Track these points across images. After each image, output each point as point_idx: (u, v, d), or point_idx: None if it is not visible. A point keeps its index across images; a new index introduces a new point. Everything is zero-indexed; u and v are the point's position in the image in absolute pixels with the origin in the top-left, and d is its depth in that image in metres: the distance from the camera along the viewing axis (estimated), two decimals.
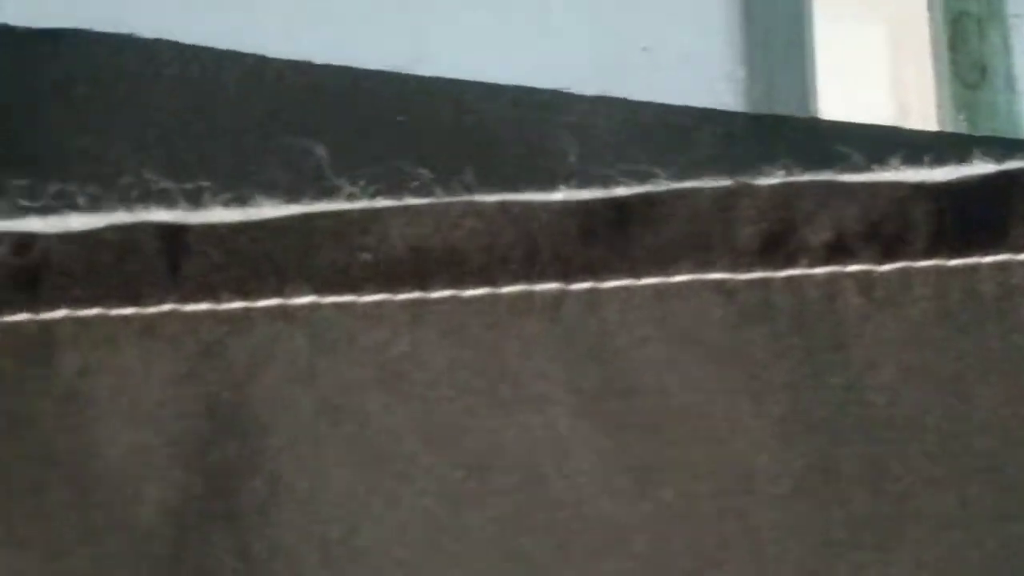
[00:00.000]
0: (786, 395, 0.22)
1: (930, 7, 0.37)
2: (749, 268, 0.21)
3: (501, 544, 0.21)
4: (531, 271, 0.21)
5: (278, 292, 0.21)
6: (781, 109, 0.39)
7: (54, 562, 0.21)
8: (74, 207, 0.21)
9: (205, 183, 0.21)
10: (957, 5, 0.38)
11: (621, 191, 0.22)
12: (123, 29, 0.28)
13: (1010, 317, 0.21)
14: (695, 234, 0.21)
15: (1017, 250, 0.22)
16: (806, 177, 0.22)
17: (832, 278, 0.21)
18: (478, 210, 0.21)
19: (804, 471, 0.22)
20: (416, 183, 0.22)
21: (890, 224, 0.22)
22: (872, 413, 0.22)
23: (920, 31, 0.37)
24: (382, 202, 0.21)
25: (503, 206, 0.21)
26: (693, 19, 0.38)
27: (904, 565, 0.21)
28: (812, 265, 0.21)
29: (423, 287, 0.21)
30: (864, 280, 0.21)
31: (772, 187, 0.22)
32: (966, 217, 0.22)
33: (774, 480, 0.21)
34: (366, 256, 0.21)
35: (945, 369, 0.22)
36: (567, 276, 0.21)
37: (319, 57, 0.33)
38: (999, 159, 0.22)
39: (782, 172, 0.22)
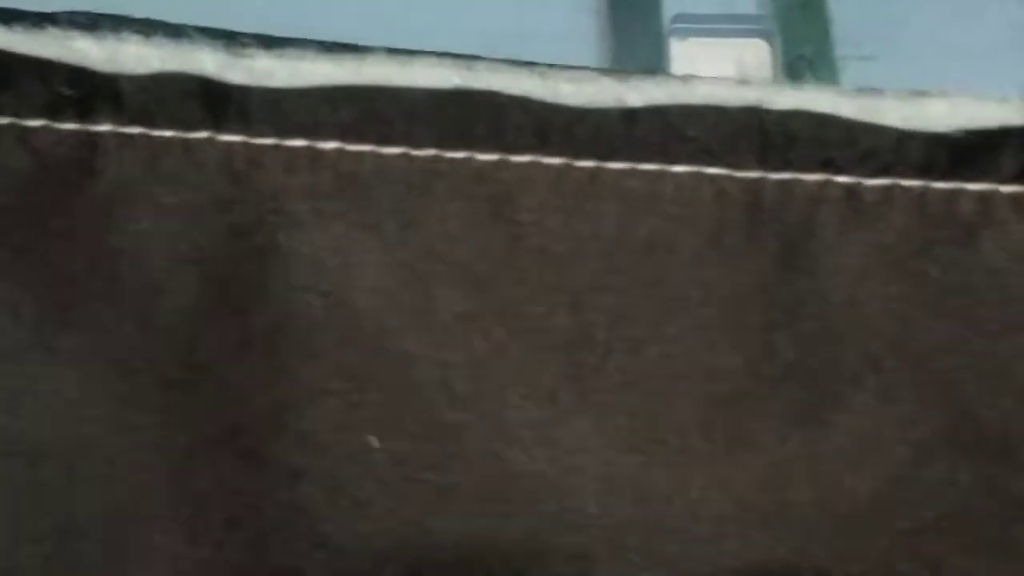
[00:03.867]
0: (757, 291, 0.24)
1: (772, 54, 0.40)
2: (746, 169, 0.24)
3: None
4: (541, 147, 0.24)
5: (309, 136, 0.24)
6: None
7: (95, 340, 0.25)
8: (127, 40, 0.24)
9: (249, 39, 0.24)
10: (793, 50, 0.42)
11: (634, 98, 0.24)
12: None
13: (982, 246, 0.23)
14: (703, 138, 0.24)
15: (1003, 181, 0.23)
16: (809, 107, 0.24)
17: (821, 185, 0.24)
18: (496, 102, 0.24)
19: (753, 358, 0.24)
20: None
21: (884, 152, 0.23)
22: (831, 313, 0.24)
23: (765, 74, 0.40)
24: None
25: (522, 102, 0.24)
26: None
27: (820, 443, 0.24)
28: (804, 172, 0.24)
29: (440, 148, 0.24)
30: (850, 191, 0.23)
31: (782, 111, 0.24)
32: (957, 151, 0.23)
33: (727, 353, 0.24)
34: (389, 115, 0.24)
35: (910, 285, 0.24)
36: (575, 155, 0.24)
37: None
38: None
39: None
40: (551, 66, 0.24)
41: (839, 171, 0.23)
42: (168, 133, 0.24)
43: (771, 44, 0.39)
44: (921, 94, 0.24)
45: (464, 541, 0.25)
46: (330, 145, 0.24)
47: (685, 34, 0.38)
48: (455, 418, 0.24)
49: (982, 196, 0.23)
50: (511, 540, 0.25)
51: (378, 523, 0.25)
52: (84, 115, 0.24)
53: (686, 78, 0.24)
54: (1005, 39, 0.39)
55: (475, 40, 0.26)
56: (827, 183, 0.23)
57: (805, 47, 0.42)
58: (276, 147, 0.24)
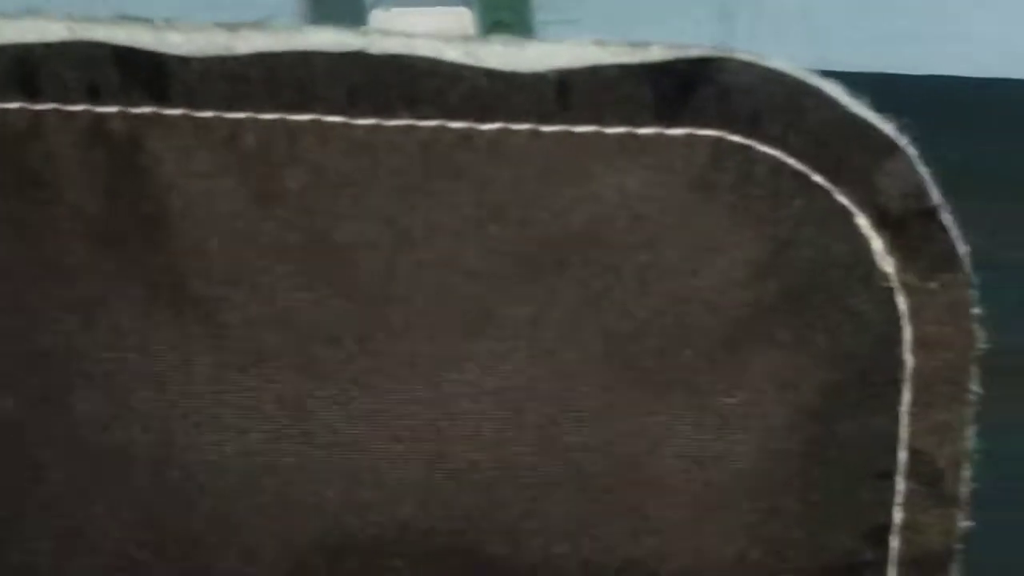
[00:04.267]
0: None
1: (474, 20, 0.35)
2: (362, 116, 0.25)
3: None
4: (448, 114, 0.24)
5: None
6: None
7: None
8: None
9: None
10: (492, 15, 0.40)
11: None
12: None
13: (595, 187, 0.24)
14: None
15: (608, 124, 0.23)
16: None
17: (435, 130, 0.25)
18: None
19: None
20: None
21: (486, 95, 0.24)
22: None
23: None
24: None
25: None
26: None
27: None
28: (416, 118, 0.25)
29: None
30: (464, 135, 0.25)
31: (380, 55, 0.25)
32: (563, 94, 0.24)
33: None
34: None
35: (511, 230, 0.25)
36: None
37: None
38: None
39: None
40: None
41: (452, 115, 0.24)
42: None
43: (473, 11, 0.35)
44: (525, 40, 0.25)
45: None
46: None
47: (387, 4, 0.37)
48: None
49: (590, 138, 0.23)
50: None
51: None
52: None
53: (296, 28, 0.26)
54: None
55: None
56: (441, 128, 0.24)
57: (504, 13, 0.41)
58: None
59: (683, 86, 0.22)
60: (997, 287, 0.29)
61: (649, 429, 0.22)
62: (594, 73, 0.23)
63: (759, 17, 0.37)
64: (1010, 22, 0.34)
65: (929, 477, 0.22)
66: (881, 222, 0.22)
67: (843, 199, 0.22)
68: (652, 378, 0.22)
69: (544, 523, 0.23)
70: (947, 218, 0.22)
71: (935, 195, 0.22)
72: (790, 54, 0.37)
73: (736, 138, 0.22)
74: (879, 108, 0.34)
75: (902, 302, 0.22)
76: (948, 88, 0.32)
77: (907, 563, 0.23)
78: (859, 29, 0.35)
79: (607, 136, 0.23)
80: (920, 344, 0.22)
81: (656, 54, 0.23)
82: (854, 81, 0.34)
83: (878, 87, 0.34)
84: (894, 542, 0.22)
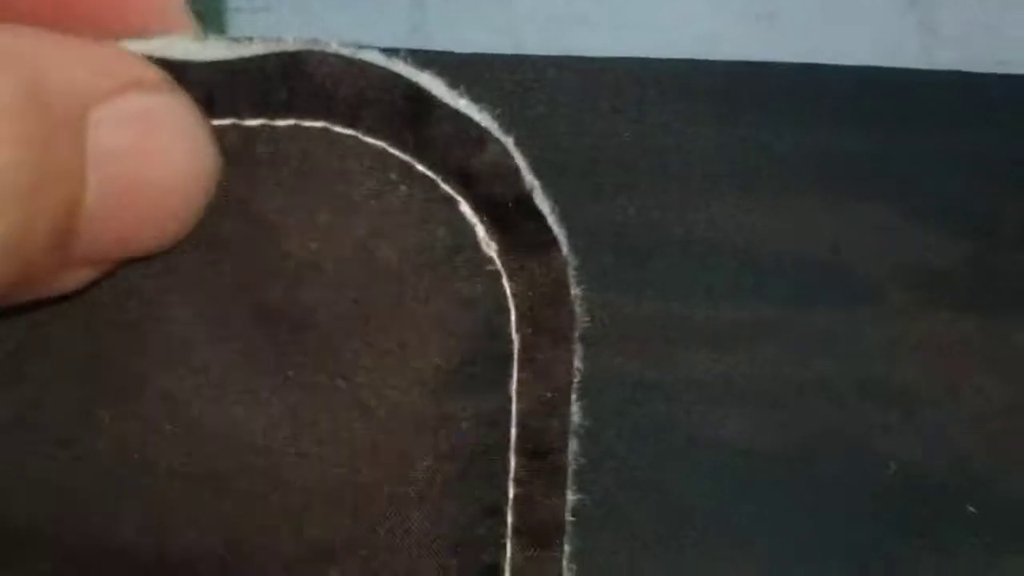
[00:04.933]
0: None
1: None
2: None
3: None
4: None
5: None
6: None
7: None
8: None
9: None
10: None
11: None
12: None
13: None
14: None
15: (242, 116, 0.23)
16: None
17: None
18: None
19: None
20: None
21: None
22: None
23: None
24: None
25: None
26: None
27: None
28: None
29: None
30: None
31: None
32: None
33: None
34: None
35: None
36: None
37: None
38: None
39: None
40: None
41: None
42: None
43: None
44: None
45: None
46: None
47: None
48: None
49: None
50: None
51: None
52: None
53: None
54: None
55: None
56: None
57: (195, 1, 0.36)
58: None
59: (283, 78, 0.23)
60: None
61: (270, 413, 0.23)
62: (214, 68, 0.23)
63: (452, 1, 0.38)
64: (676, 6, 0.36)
65: (539, 452, 0.24)
66: (482, 208, 0.23)
67: (447, 187, 0.23)
68: (270, 359, 0.23)
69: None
70: (543, 203, 0.23)
71: (528, 181, 0.23)
72: (484, 39, 0.38)
73: (340, 129, 0.23)
74: (572, 90, 0.36)
75: (506, 284, 0.23)
76: (638, 69, 0.34)
77: (522, 535, 0.24)
78: (555, 11, 0.37)
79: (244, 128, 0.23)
80: (525, 324, 0.23)
81: (256, 48, 0.23)
82: (556, 64, 0.35)
83: (572, 69, 0.35)
84: (509, 516, 0.23)
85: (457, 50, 0.34)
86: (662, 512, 0.31)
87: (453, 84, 0.33)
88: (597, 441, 0.31)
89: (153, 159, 0.20)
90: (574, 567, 0.24)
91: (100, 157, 0.19)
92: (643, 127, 0.34)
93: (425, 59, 0.34)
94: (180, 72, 0.22)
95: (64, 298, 0.22)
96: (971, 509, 0.31)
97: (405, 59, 0.24)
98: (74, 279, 0.21)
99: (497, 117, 0.27)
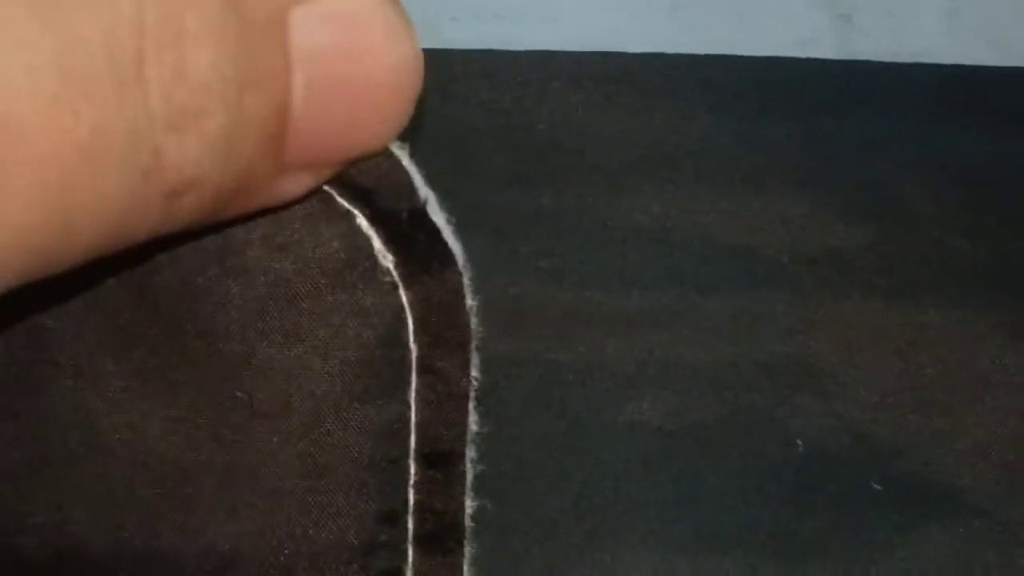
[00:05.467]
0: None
1: None
2: None
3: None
4: None
5: None
6: None
7: None
8: None
9: None
10: None
11: None
12: None
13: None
14: None
15: None
16: None
17: None
18: None
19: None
20: None
21: None
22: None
23: None
24: None
25: None
26: None
27: None
28: None
29: None
30: None
31: None
32: None
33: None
34: None
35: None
36: None
37: None
38: None
39: None
40: None
41: None
42: None
43: None
44: None
45: None
46: None
47: None
48: None
49: None
50: None
51: None
52: None
53: None
54: None
55: None
56: None
57: None
58: None
59: None
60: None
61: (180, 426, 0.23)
62: None
63: None
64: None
65: (437, 460, 0.24)
66: (377, 221, 0.23)
67: (342, 201, 0.23)
68: (171, 372, 0.23)
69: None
70: (438, 215, 0.23)
71: (423, 193, 0.23)
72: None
73: None
74: (490, 83, 0.37)
75: (403, 295, 0.23)
76: (552, 62, 0.35)
77: (422, 541, 0.24)
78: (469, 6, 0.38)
79: None
80: (422, 334, 0.23)
81: None
82: (478, 58, 0.36)
83: (491, 63, 0.36)
84: (409, 523, 0.24)
85: None
86: (573, 495, 0.32)
87: None
88: (509, 427, 0.32)
89: (358, 57, 0.20)
90: (474, 569, 0.25)
91: (304, 57, 0.19)
92: (558, 118, 0.34)
93: None
94: None
95: None
96: (876, 486, 0.32)
97: None
98: (294, 185, 0.21)
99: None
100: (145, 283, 0.23)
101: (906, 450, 0.33)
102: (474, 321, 0.24)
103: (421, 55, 0.20)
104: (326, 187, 0.23)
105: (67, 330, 0.23)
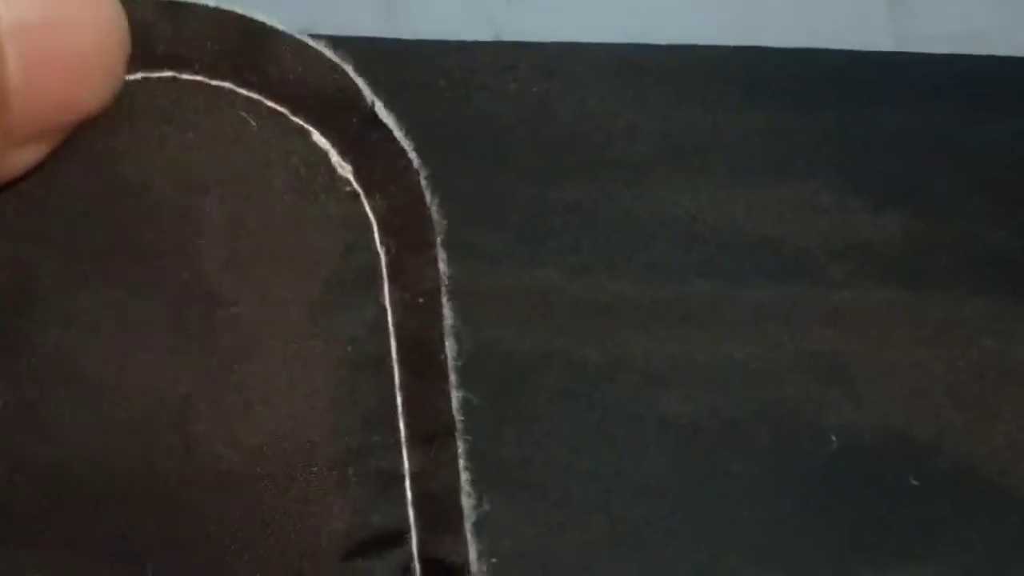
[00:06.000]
0: None
1: None
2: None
3: None
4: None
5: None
6: None
7: None
8: None
9: None
10: None
11: None
12: None
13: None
14: None
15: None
16: None
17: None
18: None
19: None
20: None
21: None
22: None
23: None
24: None
25: None
26: None
27: None
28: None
29: None
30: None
31: None
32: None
33: None
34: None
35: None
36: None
37: None
38: None
39: None
40: None
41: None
42: None
43: None
44: None
45: None
46: None
47: None
48: None
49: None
50: None
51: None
52: None
53: None
54: None
55: None
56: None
57: None
58: None
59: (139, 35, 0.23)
60: None
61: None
62: None
63: None
64: None
65: (417, 357, 0.25)
66: (331, 134, 0.24)
67: (296, 119, 0.24)
68: (150, 302, 0.24)
69: None
70: (387, 117, 0.24)
71: (369, 96, 0.24)
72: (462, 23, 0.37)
73: (186, 76, 0.24)
74: (534, 75, 0.36)
75: (365, 202, 0.24)
76: (589, 55, 0.34)
77: (415, 441, 0.24)
78: None
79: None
80: (388, 236, 0.24)
81: None
82: (493, 51, 0.35)
83: (538, 54, 0.35)
84: (400, 422, 0.24)
85: (431, 37, 0.34)
86: (602, 489, 0.31)
87: (427, 71, 0.34)
88: (538, 423, 0.31)
89: (62, 25, 0.21)
90: (470, 465, 0.25)
91: (12, 31, 0.20)
92: (587, 111, 0.34)
93: (397, 46, 0.34)
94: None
95: None
96: (914, 482, 0.32)
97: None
98: (25, 156, 0.22)
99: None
100: (115, 208, 0.23)
101: (943, 444, 0.32)
102: (436, 216, 0.25)
103: (123, 14, 0.22)
104: (278, 107, 0.24)
105: (41, 278, 0.23)
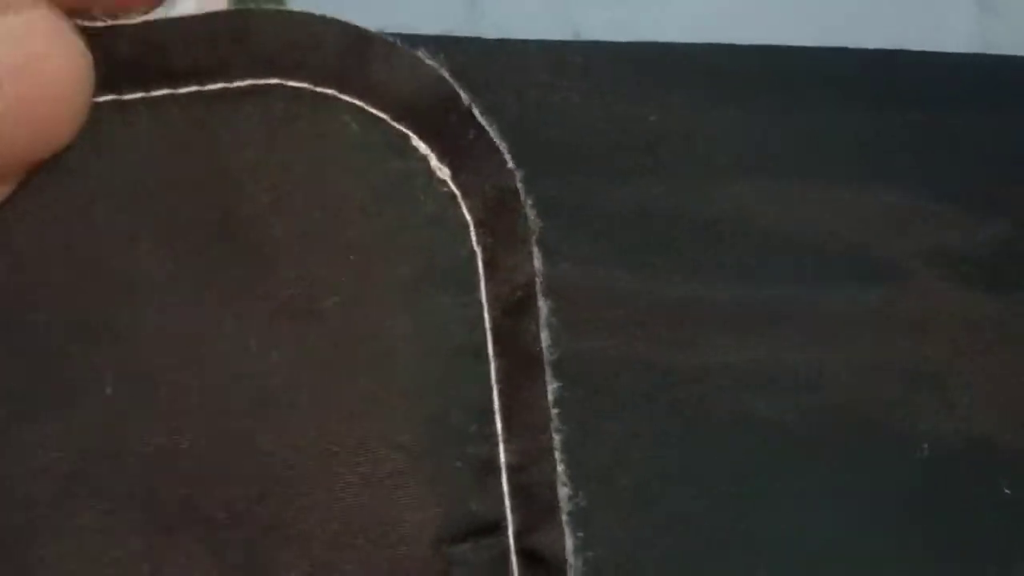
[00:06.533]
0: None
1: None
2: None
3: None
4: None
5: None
6: None
7: None
8: None
9: None
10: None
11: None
12: None
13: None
14: None
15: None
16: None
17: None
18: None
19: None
20: None
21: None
22: None
23: None
24: None
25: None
26: None
27: None
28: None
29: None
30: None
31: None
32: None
33: None
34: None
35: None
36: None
37: None
38: None
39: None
40: None
41: None
42: None
43: None
44: None
45: None
46: None
47: None
48: None
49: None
50: None
51: None
52: None
53: None
54: None
55: None
56: None
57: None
58: None
59: (235, 41, 0.24)
60: None
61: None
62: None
63: None
64: None
65: (513, 350, 0.25)
66: (430, 138, 0.25)
67: (398, 125, 0.25)
68: (249, 293, 0.24)
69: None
70: (483, 120, 0.25)
71: (466, 99, 0.25)
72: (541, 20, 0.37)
73: (292, 83, 0.24)
74: (600, 74, 0.35)
75: (462, 202, 0.25)
76: (663, 53, 0.34)
77: (512, 432, 0.25)
78: None
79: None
80: (484, 235, 0.25)
81: (190, 7, 0.24)
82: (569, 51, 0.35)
83: (602, 54, 0.35)
84: (497, 414, 0.25)
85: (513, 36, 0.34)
86: (694, 498, 0.30)
87: (489, 69, 0.34)
88: (625, 427, 0.31)
89: (32, 73, 0.21)
90: (565, 457, 0.26)
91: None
92: (668, 110, 0.34)
93: (460, 44, 0.34)
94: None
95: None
96: (1007, 491, 0.31)
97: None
98: None
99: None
100: (225, 205, 0.24)
101: None
102: (531, 214, 0.26)
103: (89, 60, 0.22)
104: (380, 113, 0.25)
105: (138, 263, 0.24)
